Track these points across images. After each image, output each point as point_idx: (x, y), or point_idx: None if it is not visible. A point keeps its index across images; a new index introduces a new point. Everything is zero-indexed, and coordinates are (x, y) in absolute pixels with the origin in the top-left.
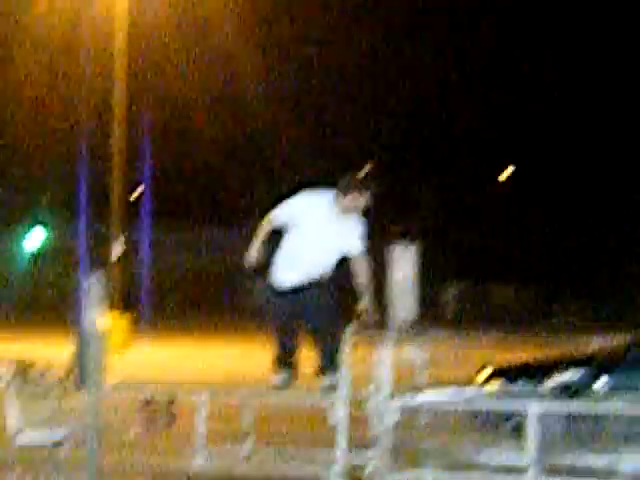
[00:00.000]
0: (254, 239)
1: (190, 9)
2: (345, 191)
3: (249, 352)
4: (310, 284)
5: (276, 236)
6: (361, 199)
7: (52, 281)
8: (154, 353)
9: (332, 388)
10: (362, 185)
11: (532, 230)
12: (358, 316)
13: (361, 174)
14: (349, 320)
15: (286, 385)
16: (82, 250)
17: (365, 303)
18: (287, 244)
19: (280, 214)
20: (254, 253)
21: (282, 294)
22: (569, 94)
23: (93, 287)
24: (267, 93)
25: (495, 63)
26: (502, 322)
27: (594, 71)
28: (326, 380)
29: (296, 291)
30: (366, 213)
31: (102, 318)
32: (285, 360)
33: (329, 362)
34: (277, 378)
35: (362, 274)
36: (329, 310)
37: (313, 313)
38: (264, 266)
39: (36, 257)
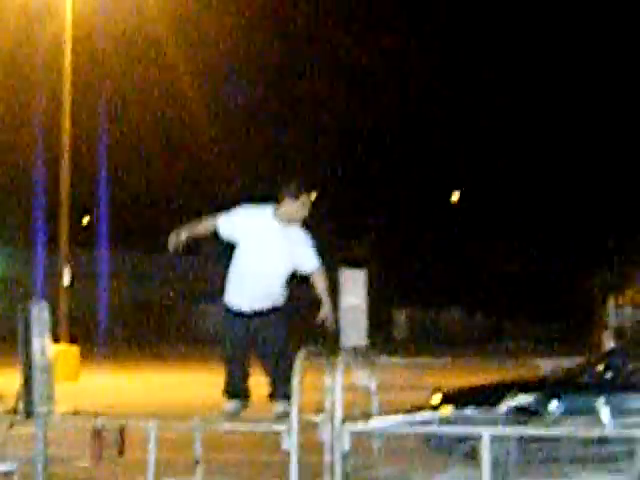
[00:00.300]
0: (187, 226)
1: (137, 30)
2: (282, 197)
3: (201, 379)
4: (262, 310)
5: (228, 252)
6: (298, 204)
7: (3, 311)
8: (104, 382)
9: (285, 415)
10: (297, 189)
11: (481, 254)
12: (319, 325)
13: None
14: (301, 343)
15: (237, 412)
16: (33, 279)
17: (325, 312)
18: (235, 265)
19: (222, 222)
20: (179, 237)
21: (235, 317)
22: (517, 119)
23: (38, 316)
24: (220, 122)
25: (445, 88)
26: (453, 345)
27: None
28: (279, 407)
29: (248, 316)
30: (313, 237)
31: (48, 347)
32: (236, 388)
33: (282, 388)
34: (228, 405)
35: (321, 286)
36: (281, 336)
37: (264, 339)
38: (220, 288)
39: None
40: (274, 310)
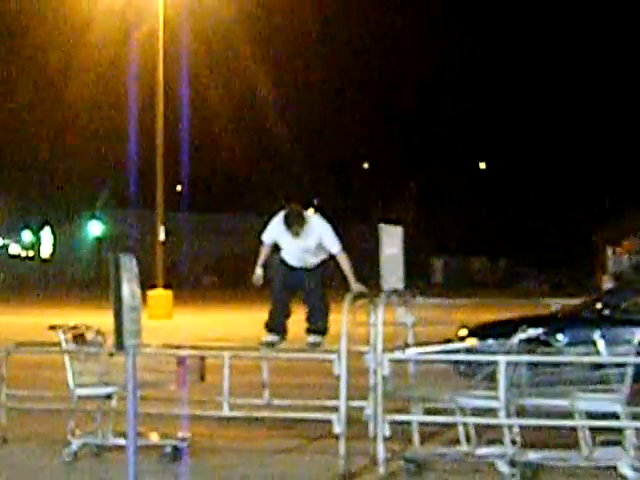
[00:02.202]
0: (258, 259)
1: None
2: (285, 227)
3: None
4: (306, 266)
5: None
6: (298, 230)
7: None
8: (193, 320)
9: (317, 345)
10: (291, 228)
11: (505, 211)
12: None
13: (293, 214)
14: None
15: (275, 344)
16: (133, 236)
17: (353, 286)
18: (281, 250)
19: (265, 239)
20: (259, 270)
21: (286, 267)
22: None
23: (127, 265)
24: (279, 113)
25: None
26: (480, 287)
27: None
28: (311, 338)
29: (296, 269)
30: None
31: (136, 292)
32: (276, 324)
33: (315, 324)
34: (268, 337)
35: (344, 266)
36: (319, 284)
37: (307, 285)
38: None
39: (97, 242)
40: (316, 266)
